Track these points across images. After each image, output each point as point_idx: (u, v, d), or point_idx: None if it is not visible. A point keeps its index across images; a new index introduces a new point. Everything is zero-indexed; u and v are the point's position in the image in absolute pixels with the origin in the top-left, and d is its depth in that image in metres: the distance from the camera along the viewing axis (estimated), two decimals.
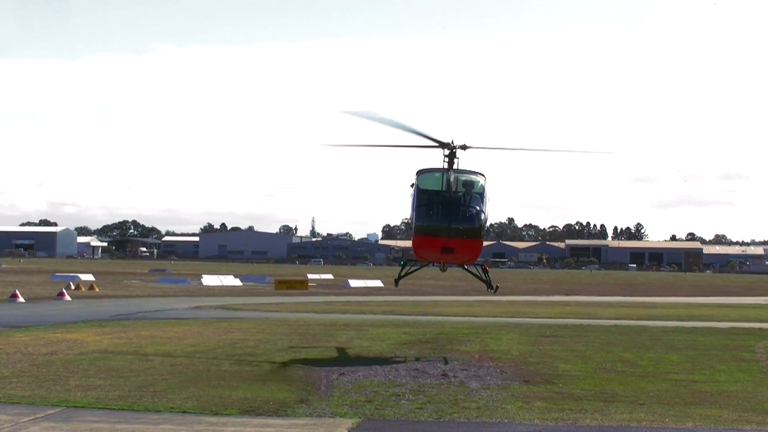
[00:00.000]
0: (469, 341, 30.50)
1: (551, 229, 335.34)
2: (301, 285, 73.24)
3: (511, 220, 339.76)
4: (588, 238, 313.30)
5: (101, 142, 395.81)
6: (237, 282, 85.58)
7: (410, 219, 27.35)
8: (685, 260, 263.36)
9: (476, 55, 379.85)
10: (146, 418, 16.33)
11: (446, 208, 25.90)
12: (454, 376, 22.03)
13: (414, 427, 16.15)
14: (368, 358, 25.70)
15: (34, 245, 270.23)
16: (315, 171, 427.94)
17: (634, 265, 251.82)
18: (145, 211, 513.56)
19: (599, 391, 20.30)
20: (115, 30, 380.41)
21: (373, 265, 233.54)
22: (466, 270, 29.02)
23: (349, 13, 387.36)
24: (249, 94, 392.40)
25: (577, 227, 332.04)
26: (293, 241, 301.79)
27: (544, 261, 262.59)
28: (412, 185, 27.14)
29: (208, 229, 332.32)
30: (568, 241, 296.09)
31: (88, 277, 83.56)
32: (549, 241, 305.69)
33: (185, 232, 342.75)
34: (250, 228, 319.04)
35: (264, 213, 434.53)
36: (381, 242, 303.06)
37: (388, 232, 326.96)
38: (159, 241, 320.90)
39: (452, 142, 26.34)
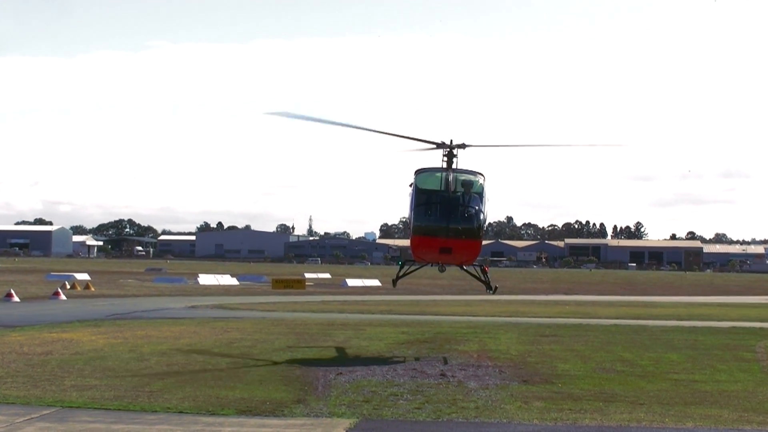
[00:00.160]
0: (468, 341, 30.43)
1: (550, 228, 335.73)
2: (299, 284, 73.23)
3: (510, 218, 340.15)
4: (587, 237, 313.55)
5: (97, 140, 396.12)
6: (234, 281, 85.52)
7: (408, 219, 27.18)
8: (685, 259, 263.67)
9: (475, 53, 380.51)
10: (142, 419, 16.25)
11: (445, 208, 25.74)
12: (453, 376, 21.94)
13: (412, 427, 16.05)
14: (366, 357, 25.64)
15: (29, 244, 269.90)
16: (312, 169, 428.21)
17: (634, 264, 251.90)
18: (141, 210, 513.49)
19: (599, 390, 20.22)
20: (110, 27, 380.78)
21: (371, 264, 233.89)
22: (465, 270, 28.90)
23: (347, 10, 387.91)
24: (245, 92, 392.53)
25: (576, 226, 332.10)
26: (290, 240, 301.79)
27: (543, 260, 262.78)
28: (410, 185, 27.01)
29: (204, 228, 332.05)
30: (568, 240, 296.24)
31: (83, 276, 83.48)
32: (548, 240, 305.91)
33: (181, 231, 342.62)
34: (247, 227, 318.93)
35: (261, 212, 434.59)
36: (379, 241, 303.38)
37: (386, 231, 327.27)
38: (155, 240, 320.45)
39: (451, 142, 26.19)
